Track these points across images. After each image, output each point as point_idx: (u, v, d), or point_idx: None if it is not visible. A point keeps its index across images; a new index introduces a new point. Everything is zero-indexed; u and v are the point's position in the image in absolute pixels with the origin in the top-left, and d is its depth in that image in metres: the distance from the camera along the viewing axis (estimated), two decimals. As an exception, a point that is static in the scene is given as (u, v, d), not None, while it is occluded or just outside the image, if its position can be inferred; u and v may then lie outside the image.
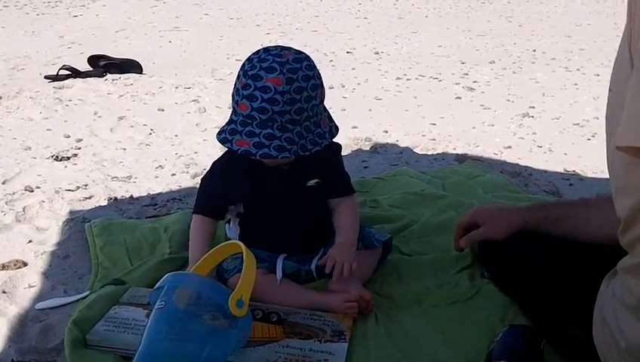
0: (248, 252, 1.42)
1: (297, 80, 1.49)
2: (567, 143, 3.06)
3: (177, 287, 1.35)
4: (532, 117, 3.49)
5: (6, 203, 2.31)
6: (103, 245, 1.89)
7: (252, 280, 1.37)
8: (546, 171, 2.71)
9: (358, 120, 3.42)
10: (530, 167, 2.74)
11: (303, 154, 1.53)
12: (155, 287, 1.38)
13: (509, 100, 3.89)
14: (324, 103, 1.62)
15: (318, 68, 1.59)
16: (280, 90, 1.47)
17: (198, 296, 1.35)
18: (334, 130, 1.64)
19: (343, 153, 2.84)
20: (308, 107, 1.51)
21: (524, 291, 1.56)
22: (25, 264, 1.87)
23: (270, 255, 1.67)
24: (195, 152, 2.89)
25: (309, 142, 1.54)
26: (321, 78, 1.58)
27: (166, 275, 1.39)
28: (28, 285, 1.77)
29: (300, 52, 1.59)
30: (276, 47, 1.58)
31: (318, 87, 1.54)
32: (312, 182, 1.68)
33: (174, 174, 2.61)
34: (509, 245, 1.63)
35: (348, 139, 3.08)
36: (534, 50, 5.51)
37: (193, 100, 3.84)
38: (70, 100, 3.87)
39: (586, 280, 1.31)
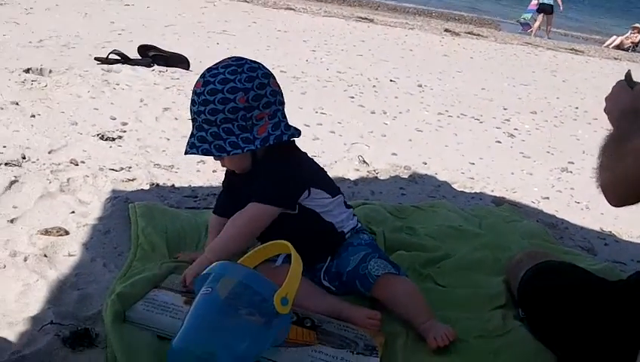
0: (296, 254, 1.44)
1: (213, 83, 1.58)
2: (605, 203, 3.02)
3: (224, 276, 1.37)
4: (571, 172, 3.49)
5: (51, 172, 2.35)
6: (144, 226, 1.91)
7: (297, 281, 1.38)
8: (582, 227, 2.70)
9: (397, 147, 3.44)
10: (567, 221, 2.74)
11: (218, 154, 1.60)
12: (203, 274, 1.39)
13: (548, 152, 3.90)
14: (280, 110, 1.64)
15: (261, 77, 1.60)
16: (198, 91, 1.60)
17: (243, 287, 1.36)
18: (274, 139, 1.61)
19: (382, 177, 2.92)
20: (225, 109, 1.56)
21: (564, 339, 1.56)
22: (67, 232, 1.90)
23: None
24: (237, 153, 2.91)
25: (228, 144, 1.58)
26: (251, 84, 1.57)
27: (215, 263, 1.40)
28: (68, 253, 1.79)
29: (240, 60, 1.62)
30: (229, 57, 1.66)
31: (237, 91, 1.56)
32: None
33: (215, 171, 2.62)
34: (552, 291, 1.64)
35: (387, 165, 3.10)
36: (577, 108, 5.52)
37: (238, 103, 3.87)
38: (117, 84, 3.93)
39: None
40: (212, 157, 1.66)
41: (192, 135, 1.64)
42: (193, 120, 1.64)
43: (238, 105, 1.56)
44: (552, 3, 14.70)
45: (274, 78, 1.66)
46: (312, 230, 1.73)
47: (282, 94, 1.68)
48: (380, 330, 1.58)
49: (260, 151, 1.64)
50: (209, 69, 1.62)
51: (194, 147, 1.61)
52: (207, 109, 1.57)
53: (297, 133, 1.68)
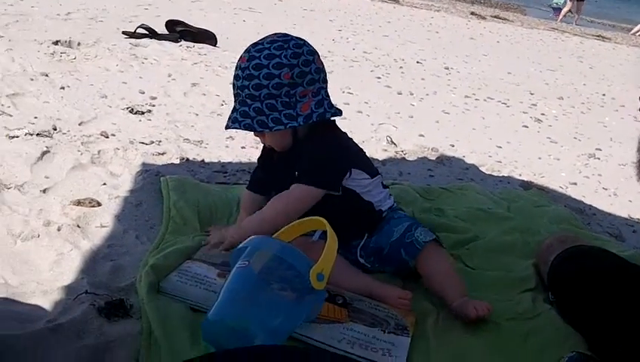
0: (332, 231, 1.44)
1: (259, 58, 1.57)
2: (633, 191, 3.02)
3: (259, 249, 1.37)
4: (598, 158, 3.45)
5: (82, 143, 2.37)
6: (176, 200, 1.92)
7: (333, 258, 1.38)
8: (610, 214, 2.67)
9: (425, 129, 3.42)
10: (594, 207, 2.71)
11: (260, 130, 1.59)
12: (239, 247, 1.39)
13: (575, 138, 3.86)
14: (323, 89, 1.64)
15: (306, 54, 1.59)
16: (242, 66, 1.60)
17: (278, 261, 1.35)
18: (317, 116, 1.60)
19: (410, 158, 2.90)
20: (269, 84, 1.56)
21: (595, 323, 1.55)
22: (99, 204, 1.91)
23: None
24: (265, 130, 2.91)
25: (270, 120, 1.57)
26: (296, 60, 1.57)
27: (250, 237, 1.41)
28: (100, 224, 1.80)
29: (285, 36, 1.62)
30: (275, 33, 1.65)
31: (282, 67, 1.56)
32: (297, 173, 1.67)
33: (244, 147, 2.63)
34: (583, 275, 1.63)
35: (414, 146, 3.09)
36: (604, 95, 5.45)
37: (265, 80, 3.87)
38: (146, 59, 3.94)
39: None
40: (246, 134, 1.66)
41: (234, 110, 1.63)
42: (236, 95, 1.63)
43: (282, 81, 1.56)
44: None
45: (318, 55, 1.65)
46: (352, 209, 1.73)
47: (326, 72, 1.67)
48: (410, 310, 1.58)
49: (302, 129, 1.64)
50: (254, 44, 1.62)
51: (236, 122, 1.61)
52: (251, 84, 1.57)
53: (339, 112, 1.67)
